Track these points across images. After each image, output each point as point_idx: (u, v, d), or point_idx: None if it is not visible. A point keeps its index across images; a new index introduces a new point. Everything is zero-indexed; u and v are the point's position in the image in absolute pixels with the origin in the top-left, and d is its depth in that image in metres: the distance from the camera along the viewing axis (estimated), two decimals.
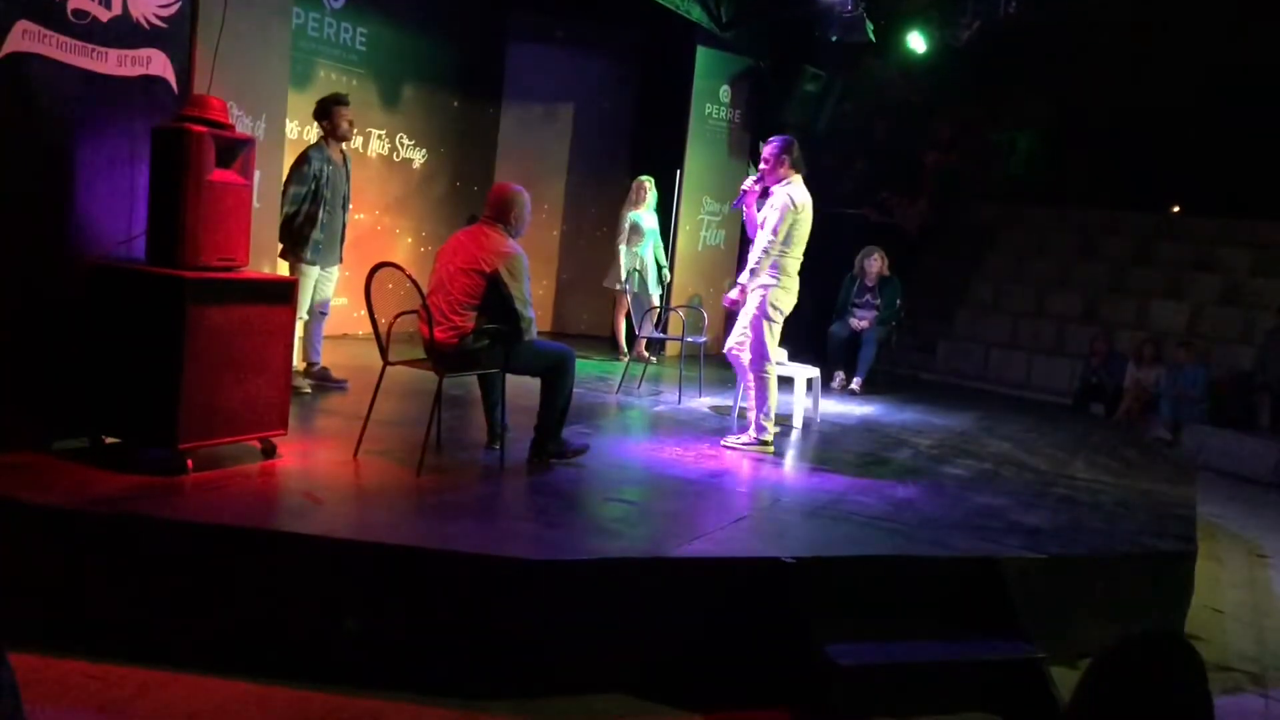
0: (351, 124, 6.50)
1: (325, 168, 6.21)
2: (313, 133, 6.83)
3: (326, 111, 6.31)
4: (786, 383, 7.30)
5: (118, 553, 3.74)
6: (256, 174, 4.80)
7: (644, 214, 9.03)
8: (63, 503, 3.80)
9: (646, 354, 8.61)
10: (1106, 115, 14.57)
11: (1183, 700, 1.53)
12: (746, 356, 6.00)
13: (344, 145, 6.44)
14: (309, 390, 6.26)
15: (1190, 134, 13.79)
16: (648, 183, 9.08)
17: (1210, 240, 12.87)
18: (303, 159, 6.19)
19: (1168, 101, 13.86)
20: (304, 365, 6.40)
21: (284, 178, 6.14)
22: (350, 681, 3.55)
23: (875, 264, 9.15)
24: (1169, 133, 13.96)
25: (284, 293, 4.67)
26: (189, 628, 3.68)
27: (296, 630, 3.70)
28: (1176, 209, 14.47)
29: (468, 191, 9.87)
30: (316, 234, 6.20)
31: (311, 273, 6.25)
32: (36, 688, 3.15)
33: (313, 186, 6.15)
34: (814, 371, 7.14)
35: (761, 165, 6.01)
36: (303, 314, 6.24)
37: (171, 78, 4.79)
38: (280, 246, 6.20)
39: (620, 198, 9.39)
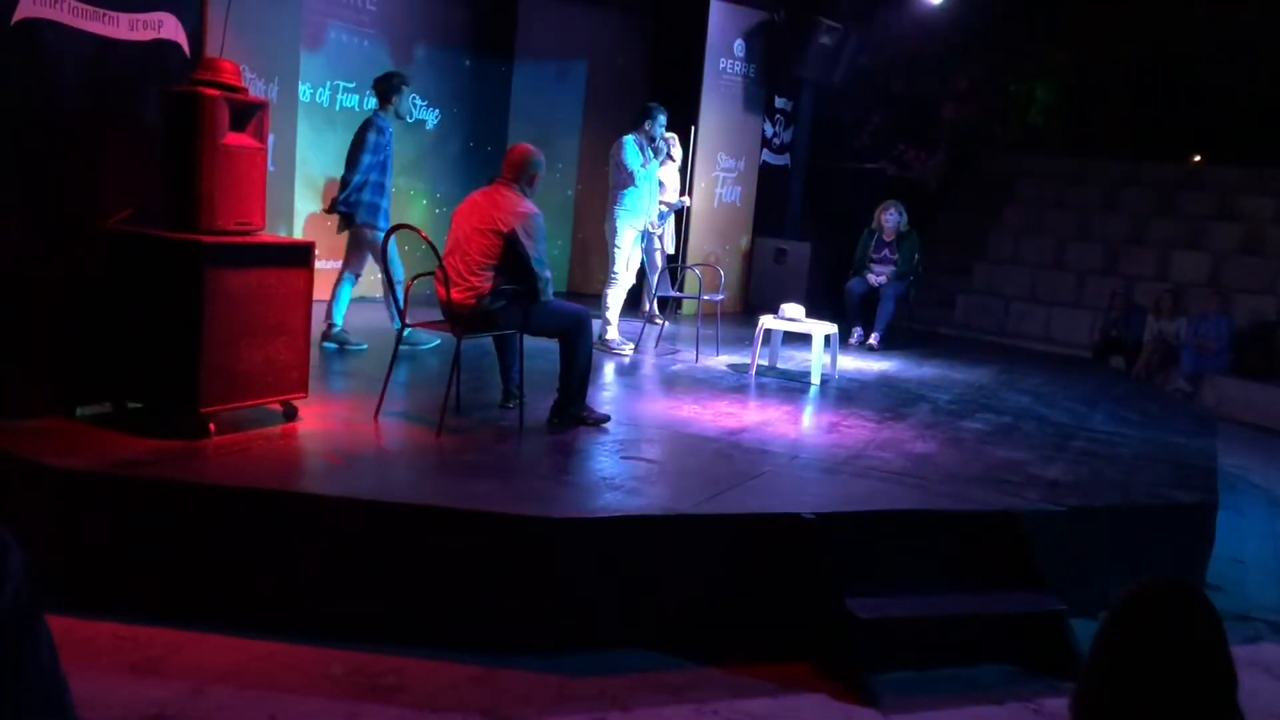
0: None
1: (388, 137, 6.41)
2: (324, 96, 6.80)
3: (397, 89, 6.48)
4: (804, 339, 7.29)
5: (142, 516, 3.78)
6: (270, 137, 4.78)
7: (668, 169, 8.73)
8: (87, 467, 3.85)
9: (658, 314, 8.53)
10: (1126, 64, 14.35)
11: (1200, 650, 1.53)
12: None
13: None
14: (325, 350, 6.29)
15: (1211, 82, 13.57)
16: (674, 138, 8.62)
17: (1232, 189, 12.69)
18: (376, 129, 6.36)
19: (1188, 49, 13.64)
20: (326, 326, 6.43)
21: (351, 144, 6.31)
22: (373, 640, 3.60)
23: (893, 218, 9.06)
24: (1189, 81, 13.74)
25: (301, 256, 4.68)
26: (214, 589, 3.73)
27: (320, 590, 3.74)
28: (1198, 158, 14.28)
29: (481, 152, 9.81)
30: (384, 201, 6.40)
31: (378, 238, 6.29)
32: (68, 649, 3.21)
33: (383, 157, 6.33)
34: (831, 327, 7.11)
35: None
36: (360, 273, 6.54)
37: (183, 41, 4.76)
38: (337, 216, 6.30)
39: None
